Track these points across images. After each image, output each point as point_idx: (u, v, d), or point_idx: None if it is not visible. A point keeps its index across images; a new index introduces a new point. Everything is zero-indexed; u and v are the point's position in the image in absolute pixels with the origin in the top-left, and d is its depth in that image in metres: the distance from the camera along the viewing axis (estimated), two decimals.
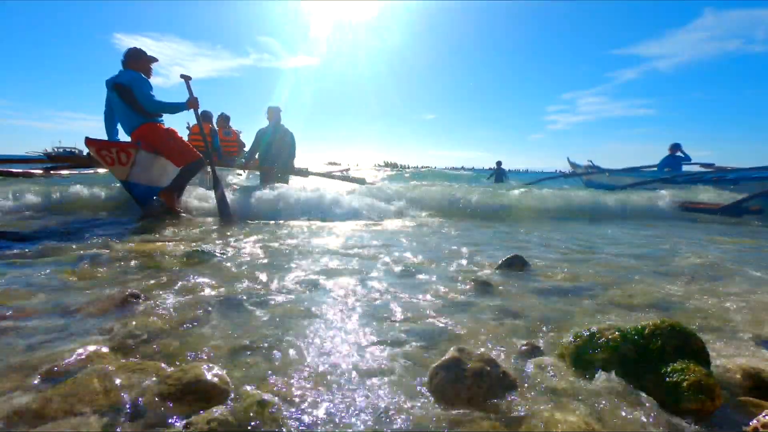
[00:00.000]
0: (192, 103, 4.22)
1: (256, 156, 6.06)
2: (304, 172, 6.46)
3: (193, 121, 7.85)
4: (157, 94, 4.08)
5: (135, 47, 4.08)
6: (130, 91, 3.87)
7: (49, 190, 4.55)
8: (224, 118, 7.48)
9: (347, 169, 10.74)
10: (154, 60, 4.16)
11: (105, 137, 4.08)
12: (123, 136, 4.23)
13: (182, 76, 4.35)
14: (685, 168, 9.02)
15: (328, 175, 6.90)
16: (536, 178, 11.81)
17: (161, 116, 4.16)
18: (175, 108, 4.19)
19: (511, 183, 11.39)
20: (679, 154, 8.95)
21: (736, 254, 2.90)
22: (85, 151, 4.12)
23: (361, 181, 6.68)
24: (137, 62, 4.03)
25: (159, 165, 4.15)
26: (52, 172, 5.39)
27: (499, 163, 14.86)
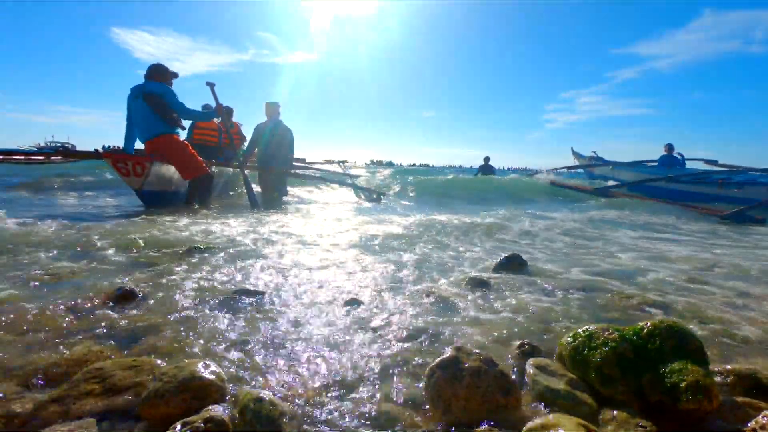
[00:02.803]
0: (220, 109, 4.81)
1: (255, 152, 6.03)
2: (302, 169, 6.42)
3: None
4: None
5: (159, 63, 4.39)
6: (161, 99, 4.16)
7: (48, 174, 4.61)
8: (227, 111, 7.54)
9: (344, 161, 10.56)
10: (176, 75, 4.45)
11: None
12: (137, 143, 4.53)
13: (207, 83, 4.77)
14: (689, 164, 8.97)
15: (336, 179, 6.71)
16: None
17: (179, 128, 4.46)
18: (207, 116, 4.84)
19: (499, 179, 10.68)
20: (675, 154, 8.97)
21: (736, 257, 2.91)
22: (78, 146, 4.33)
23: (373, 195, 6.41)
24: (162, 76, 4.33)
25: (170, 173, 4.40)
26: (52, 158, 5.42)
27: (486, 159, 13.43)
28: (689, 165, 9.02)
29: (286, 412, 0.85)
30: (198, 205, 4.42)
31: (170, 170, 4.38)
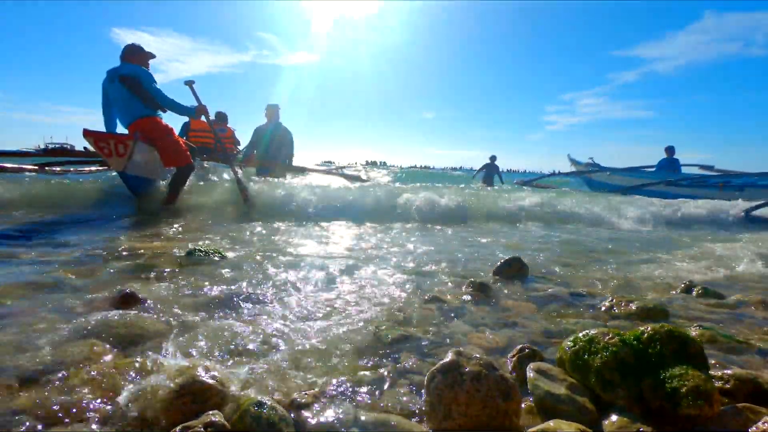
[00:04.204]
0: (201, 110, 4.34)
1: (254, 153, 6.05)
2: (301, 169, 6.50)
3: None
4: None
5: (134, 43, 4.15)
6: (137, 81, 3.91)
7: (44, 184, 4.54)
8: (220, 116, 7.49)
9: (343, 167, 10.98)
10: (152, 56, 4.21)
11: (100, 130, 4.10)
12: (120, 129, 4.28)
13: (186, 82, 4.45)
14: (685, 169, 8.98)
15: (326, 172, 7.15)
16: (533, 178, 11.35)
17: (162, 111, 4.21)
18: (184, 111, 4.29)
19: (504, 187, 9.35)
20: (675, 156, 8.97)
21: (735, 258, 2.90)
22: (77, 147, 4.22)
23: (356, 179, 6.93)
24: (138, 57, 4.08)
25: (155, 158, 4.16)
26: (46, 168, 5.36)
27: (493, 158, 11.64)
28: (685, 170, 9.04)
29: (287, 417, 0.85)
30: (174, 200, 4.13)
31: (156, 154, 4.12)
